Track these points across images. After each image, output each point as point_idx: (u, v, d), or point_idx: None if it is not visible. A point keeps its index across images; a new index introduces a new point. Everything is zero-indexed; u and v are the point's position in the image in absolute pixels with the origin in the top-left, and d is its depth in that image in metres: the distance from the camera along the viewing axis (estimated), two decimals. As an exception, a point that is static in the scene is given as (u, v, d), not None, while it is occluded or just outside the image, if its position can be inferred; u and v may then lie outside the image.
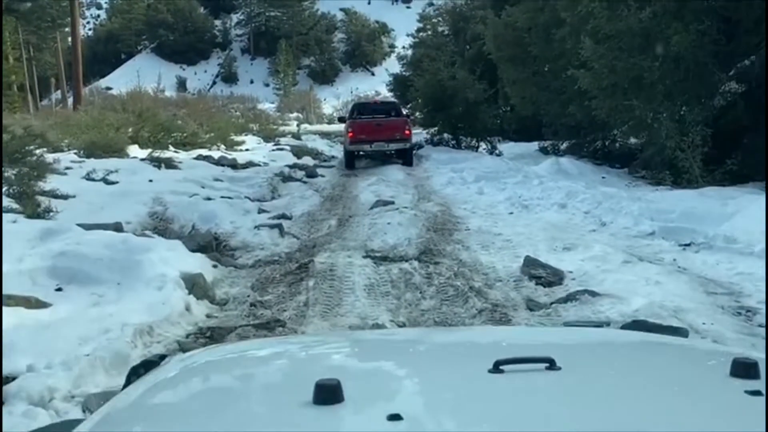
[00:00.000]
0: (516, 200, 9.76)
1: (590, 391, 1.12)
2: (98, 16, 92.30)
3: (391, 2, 76.32)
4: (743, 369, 1.10)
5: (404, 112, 17.64)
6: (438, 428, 1.00)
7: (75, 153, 15.48)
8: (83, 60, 52.82)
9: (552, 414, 1.00)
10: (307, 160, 18.23)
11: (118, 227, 8.56)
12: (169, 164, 14.69)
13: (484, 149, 17.92)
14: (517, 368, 1.12)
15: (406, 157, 16.01)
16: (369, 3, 75.27)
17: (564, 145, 18.22)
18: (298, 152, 19.61)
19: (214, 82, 69.71)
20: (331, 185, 13.40)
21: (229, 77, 70.35)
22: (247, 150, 20.53)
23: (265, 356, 1.47)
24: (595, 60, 12.38)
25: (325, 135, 31.41)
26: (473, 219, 8.68)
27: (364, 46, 67.40)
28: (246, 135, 25.72)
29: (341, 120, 18.96)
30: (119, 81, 58.04)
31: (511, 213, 9.08)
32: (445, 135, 18.34)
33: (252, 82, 68.82)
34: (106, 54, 74.05)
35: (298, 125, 35.92)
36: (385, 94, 50.31)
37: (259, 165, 16.75)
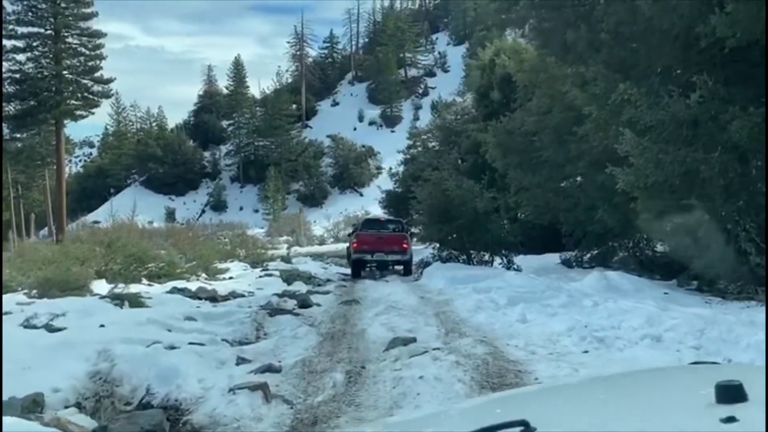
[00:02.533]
0: (582, 330, 7.06)
1: None
2: (90, 153, 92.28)
3: (376, 127, 76.61)
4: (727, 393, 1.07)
5: (405, 228, 18.59)
6: None
7: (25, 293, 12.76)
8: (69, 196, 51.31)
9: None
10: (299, 286, 15.55)
11: (37, 401, 5.85)
12: (135, 301, 11.95)
13: (500, 264, 15.39)
14: None
15: (405, 268, 17.12)
16: (355, 129, 75.49)
17: (587, 256, 15.76)
18: (288, 277, 16.95)
19: (203, 211, 68.04)
20: (330, 317, 10.66)
21: (218, 205, 68.83)
22: (230, 278, 17.86)
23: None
24: (638, 155, 10.12)
25: (317, 257, 28.92)
26: (539, 365, 5.95)
27: (351, 169, 66.59)
28: (232, 261, 23.13)
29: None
30: (107, 215, 56.08)
31: (586, 352, 6.35)
32: (453, 250, 15.85)
33: (241, 209, 67.25)
34: (96, 189, 72.75)
35: (288, 248, 33.47)
36: (375, 212, 48.67)
37: (243, 295, 14.04)
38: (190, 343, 8.49)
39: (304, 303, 12.23)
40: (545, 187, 15.93)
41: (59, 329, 9.21)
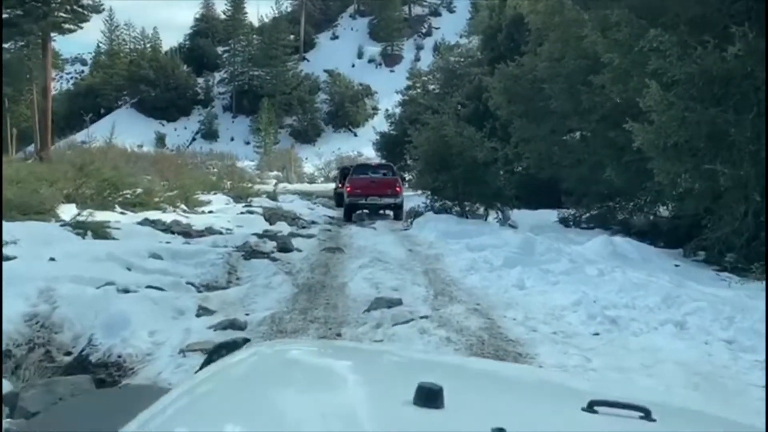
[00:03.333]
0: (591, 307, 6.15)
1: None
2: (82, 71, 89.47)
3: (374, 66, 74.34)
4: None
5: (395, 173, 18.54)
6: None
7: (-18, 214, 11.70)
8: (57, 113, 49.54)
9: None
10: (282, 227, 14.58)
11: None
12: (99, 232, 10.97)
13: (495, 219, 14.46)
14: (611, 411, 1.08)
15: (396, 212, 17.20)
16: (353, 66, 73.22)
17: (585, 216, 14.86)
18: (271, 216, 15.99)
19: (194, 139, 66.43)
20: (310, 266, 9.73)
21: (209, 134, 67.13)
22: (210, 212, 16.85)
23: (359, 358, 1.47)
24: (661, 111, 9.04)
25: (305, 195, 27.90)
26: (543, 347, 5.05)
27: (347, 107, 64.78)
28: (215, 194, 22.10)
29: (344, 176, 20.14)
30: (96, 135, 54.44)
31: (597, 334, 5.45)
32: (447, 201, 14.87)
33: (232, 139, 65.67)
34: (86, 108, 70.53)
35: (275, 184, 32.40)
36: (368, 155, 47.33)
37: (221, 232, 13.08)
38: (149, 287, 7.57)
39: (285, 246, 11.29)
40: (549, 140, 14.86)
41: (7, 258, 8.25)
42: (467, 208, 14.76)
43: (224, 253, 10.19)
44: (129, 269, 8.46)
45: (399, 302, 6.86)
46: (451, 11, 79.27)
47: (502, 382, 1.44)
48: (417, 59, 67.48)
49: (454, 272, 8.56)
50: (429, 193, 15.59)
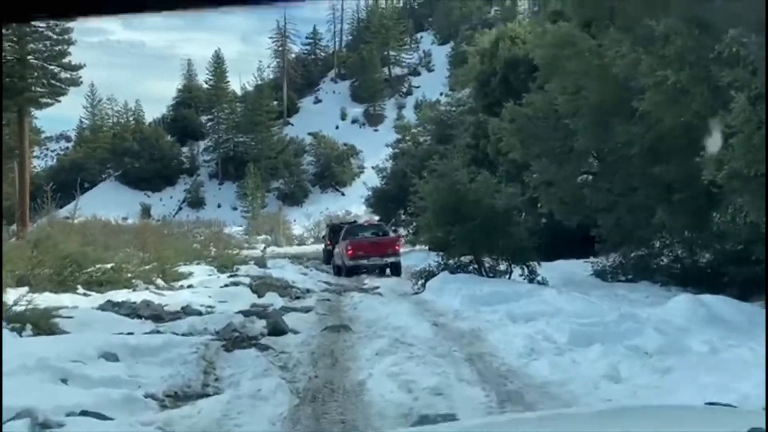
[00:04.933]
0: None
1: None
2: (67, 148, 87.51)
3: (358, 126, 73.11)
4: None
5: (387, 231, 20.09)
6: None
7: None
8: (39, 190, 47.24)
9: None
10: (273, 299, 12.13)
11: None
12: (43, 324, 8.50)
13: (520, 275, 12.14)
14: None
15: (396, 268, 17.54)
16: (337, 127, 71.91)
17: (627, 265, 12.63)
18: (259, 287, 13.52)
19: (180, 208, 64.09)
20: (311, 354, 7.30)
21: (195, 202, 64.86)
22: (189, 286, 14.36)
23: None
24: (753, 130, 6.92)
25: (296, 259, 25.48)
26: None
27: (333, 168, 63.04)
28: (198, 263, 19.64)
29: (331, 234, 21.14)
30: (81, 209, 51.99)
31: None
32: (464, 257, 12.55)
33: (219, 206, 63.36)
34: (69, 184, 68.30)
35: (263, 248, 29.98)
36: (357, 212, 45.24)
37: (200, 312, 10.61)
38: (84, 413, 5.12)
39: (276, 327, 8.83)
40: (574, 181, 12.76)
41: None
42: (487, 265, 12.45)
43: (200, 344, 7.75)
44: (65, 381, 5.99)
45: (453, 417, 4.47)
46: (429, 70, 78.85)
47: None
48: (399, 117, 66.27)
49: (510, 358, 6.18)
50: (439, 250, 13.25)
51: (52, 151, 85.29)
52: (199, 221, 50.05)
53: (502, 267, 12.59)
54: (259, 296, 12.52)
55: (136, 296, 12.12)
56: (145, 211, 61.15)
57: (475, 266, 12.47)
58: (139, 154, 66.24)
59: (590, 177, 12.77)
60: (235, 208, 61.41)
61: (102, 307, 10.31)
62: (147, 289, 13.12)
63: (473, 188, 11.86)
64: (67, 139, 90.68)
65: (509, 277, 12.22)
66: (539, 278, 11.90)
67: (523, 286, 10.60)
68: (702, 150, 8.51)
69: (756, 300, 8.72)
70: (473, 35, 52.11)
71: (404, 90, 76.44)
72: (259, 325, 9.36)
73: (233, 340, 8.08)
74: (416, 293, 12.17)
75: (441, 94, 61.55)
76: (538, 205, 13.11)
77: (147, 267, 16.23)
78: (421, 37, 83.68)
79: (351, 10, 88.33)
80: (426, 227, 12.80)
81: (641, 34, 9.56)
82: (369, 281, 15.47)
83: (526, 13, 52.84)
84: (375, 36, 75.65)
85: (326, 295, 12.90)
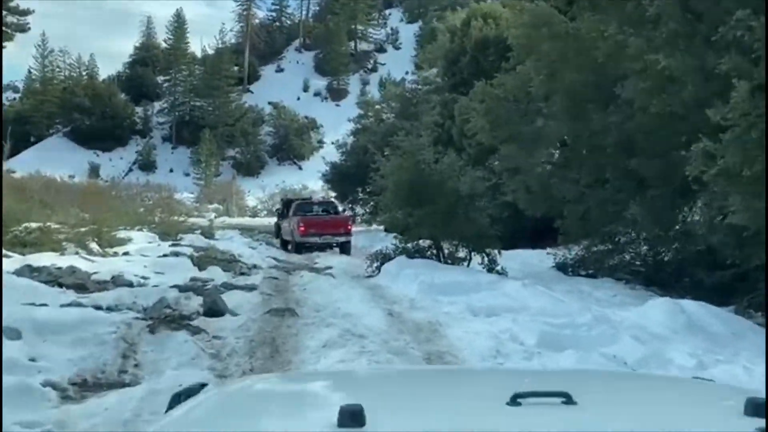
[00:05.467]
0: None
1: (605, 425, 1.08)
2: (14, 99, 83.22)
3: (320, 99, 71.49)
4: (755, 408, 1.04)
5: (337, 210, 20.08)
6: None
7: None
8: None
9: None
10: (214, 274, 11.15)
11: None
12: (-59, 288, 7.37)
13: (480, 264, 11.45)
14: (535, 402, 1.09)
15: (346, 247, 17.40)
16: (298, 99, 70.14)
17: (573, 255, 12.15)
18: (202, 259, 12.48)
19: (130, 170, 61.60)
20: (248, 342, 6.42)
21: (147, 165, 62.42)
22: (125, 254, 13.22)
23: (292, 388, 1.48)
24: (753, 124, 6.28)
25: (247, 231, 24.33)
26: None
27: (292, 140, 61.43)
28: (141, 229, 18.40)
29: (284, 210, 20.21)
30: (25, 164, 49.33)
31: None
32: (423, 242, 11.79)
33: (172, 171, 61.16)
34: (15, 135, 64.95)
35: (213, 217, 28.67)
36: (314, 188, 44.06)
37: (131, 284, 9.59)
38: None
39: (214, 307, 7.89)
40: (544, 171, 12.11)
41: None
42: (446, 251, 11.72)
43: (123, 322, 6.79)
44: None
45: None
46: (396, 48, 77.53)
47: (423, 388, 1.44)
48: (363, 94, 65.00)
49: (474, 360, 5.42)
50: (396, 232, 12.46)
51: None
52: (149, 185, 48.14)
53: (462, 254, 11.88)
54: (200, 269, 11.52)
55: (63, 261, 10.98)
56: (94, 170, 58.65)
57: (434, 251, 11.72)
58: (91, 111, 63.24)
59: (559, 166, 12.11)
60: (187, 174, 59.36)
61: (18, 272, 9.16)
62: (77, 253, 11.95)
63: (438, 169, 11.06)
64: (15, 89, 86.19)
65: (468, 265, 11.51)
66: (499, 268, 11.23)
67: (483, 275, 9.88)
68: (687, 143, 7.90)
69: (727, 305, 8.23)
70: (443, 15, 51.26)
71: (369, 66, 75.03)
72: (195, 302, 8.42)
73: (162, 319, 7.11)
74: (370, 276, 11.36)
75: (407, 72, 60.48)
76: (503, 192, 12.40)
77: (82, 229, 15.01)
78: (390, 14, 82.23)
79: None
80: (385, 207, 11.95)
81: (630, 15, 8.86)
82: (321, 260, 14.58)
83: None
84: (343, 8, 73.77)
85: (274, 273, 11.96)
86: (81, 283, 9.18)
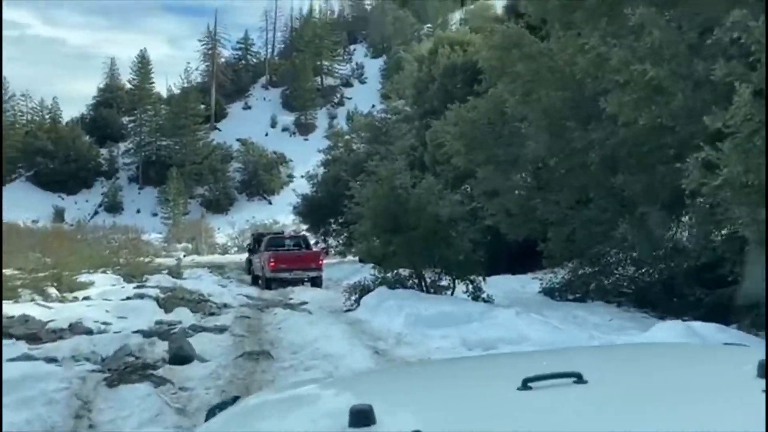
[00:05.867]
0: None
1: (619, 402, 1.07)
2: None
3: (289, 134, 70.99)
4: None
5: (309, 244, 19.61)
6: None
7: None
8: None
9: (581, 428, 0.95)
10: (182, 315, 10.31)
11: None
12: None
13: (464, 292, 10.83)
14: (546, 384, 1.09)
15: (316, 282, 16.91)
16: (266, 135, 69.55)
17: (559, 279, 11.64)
18: (168, 301, 11.60)
19: (96, 212, 60.01)
20: (219, 395, 5.64)
21: (113, 207, 60.93)
22: (86, 298, 12.29)
23: (309, 395, 1.49)
24: (755, 130, 5.86)
25: (217, 268, 23.39)
26: None
27: (261, 176, 60.61)
28: (105, 272, 17.43)
29: (255, 245, 19.77)
30: (-15, 211, 47.41)
31: None
32: (403, 271, 11.13)
33: (139, 211, 59.72)
34: (-26, 182, 62.88)
35: (180, 257, 27.64)
36: (284, 222, 43.23)
37: (90, 331, 8.73)
38: None
39: (180, 353, 7.10)
40: (522, 192, 11.64)
41: None
42: (428, 280, 11.09)
43: (78, 376, 5.98)
44: None
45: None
46: (362, 82, 77.79)
47: (431, 381, 1.44)
48: (331, 127, 64.75)
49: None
50: (374, 262, 11.78)
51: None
52: (116, 227, 46.74)
53: (444, 282, 11.26)
54: (167, 311, 10.67)
55: (17, 309, 10.07)
56: (59, 214, 56.96)
57: (416, 281, 11.08)
58: (54, 155, 61.73)
59: (539, 188, 11.64)
60: (155, 214, 57.99)
61: (-37, 324, 8.24)
62: (33, 300, 11.01)
63: (416, 194, 10.50)
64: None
65: (452, 293, 10.90)
66: (485, 296, 10.64)
67: (471, 305, 9.26)
68: (676, 156, 7.49)
69: (727, 324, 7.73)
70: (408, 47, 51.47)
71: (336, 101, 75.00)
72: (161, 348, 7.62)
73: (123, 369, 6.31)
74: (349, 310, 10.66)
75: (373, 105, 60.37)
76: (482, 216, 11.87)
77: (41, 274, 14.04)
78: (354, 50, 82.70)
79: (284, 18, 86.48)
80: (361, 236, 11.29)
81: (607, 27, 8.50)
82: (295, 295, 13.81)
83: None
84: (308, 45, 74.04)
85: (246, 311, 11.16)
86: (33, 333, 8.30)
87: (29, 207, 57.23)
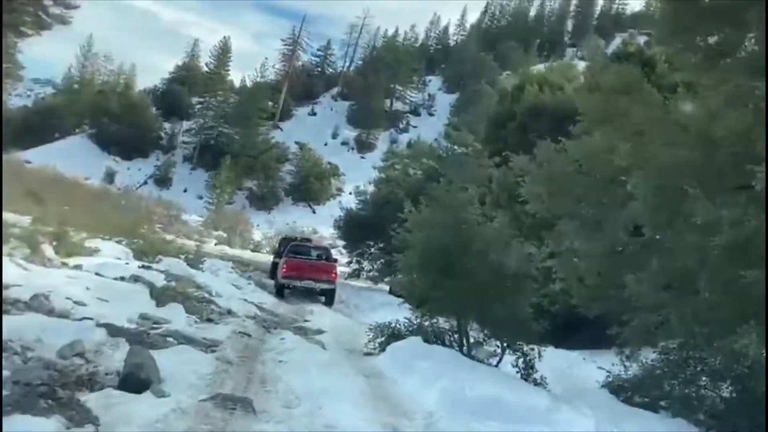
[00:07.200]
0: None
1: None
2: (44, 94, 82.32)
3: (347, 149, 69.74)
4: None
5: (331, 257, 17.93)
6: None
7: None
8: (6, 127, 42.73)
9: None
10: (173, 314, 8.34)
11: None
12: None
13: (513, 366, 8.59)
14: None
15: (329, 296, 15.93)
16: (325, 144, 68.47)
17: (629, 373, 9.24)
18: (164, 292, 9.62)
19: (146, 182, 59.55)
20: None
21: (163, 181, 60.38)
22: (76, 267, 10.50)
23: None
24: None
25: (242, 265, 21.50)
26: None
27: (311, 183, 59.24)
28: (121, 242, 15.78)
29: (281, 249, 18.81)
30: (42, 157, 47.34)
31: None
32: (440, 320, 8.98)
33: (185, 191, 58.99)
34: (42, 128, 63.50)
35: (214, 243, 25.99)
36: (323, 234, 41.45)
37: (50, 311, 6.86)
38: None
39: (136, 374, 5.09)
40: (611, 260, 9.38)
41: None
42: (472, 340, 8.90)
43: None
44: None
45: None
46: (430, 114, 76.21)
47: None
48: (390, 151, 63.15)
49: None
50: (412, 301, 9.64)
51: (32, 91, 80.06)
52: (161, 200, 45.97)
53: (490, 347, 9.05)
54: (159, 304, 8.76)
55: (-13, 263, 8.29)
56: (109, 176, 56.77)
57: (456, 336, 8.90)
58: (119, 118, 61.85)
59: (631, 256, 9.38)
60: (200, 197, 57.09)
61: None
62: (9, 255, 9.26)
63: (481, 233, 8.40)
64: (54, 86, 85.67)
65: (498, 364, 8.68)
66: (536, 376, 8.40)
67: (528, 391, 7.04)
68: None
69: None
70: (490, 82, 49.56)
71: (401, 126, 73.54)
72: (120, 356, 5.67)
73: (36, 386, 4.34)
74: (370, 353, 8.57)
75: (435, 139, 58.57)
76: (554, 278, 9.65)
77: (45, 228, 12.43)
78: (430, 81, 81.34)
79: (368, 36, 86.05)
80: (405, 268, 9.21)
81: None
82: (313, 318, 11.74)
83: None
84: (387, 67, 72.93)
85: (249, 327, 9.12)
86: (-22, 300, 6.47)
87: (84, 164, 56.99)
